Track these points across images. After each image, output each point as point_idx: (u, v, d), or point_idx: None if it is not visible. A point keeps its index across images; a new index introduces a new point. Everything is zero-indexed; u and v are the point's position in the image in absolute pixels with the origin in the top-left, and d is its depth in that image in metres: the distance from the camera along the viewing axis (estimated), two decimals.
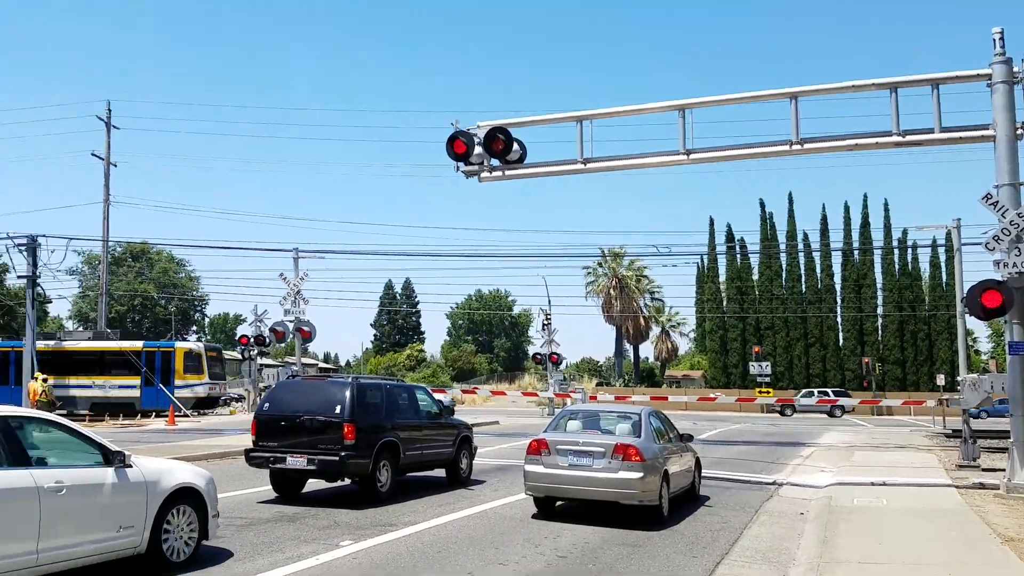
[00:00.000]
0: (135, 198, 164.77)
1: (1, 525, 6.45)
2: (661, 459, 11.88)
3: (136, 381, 36.60)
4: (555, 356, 42.78)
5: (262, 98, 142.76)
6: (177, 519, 8.13)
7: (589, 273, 71.91)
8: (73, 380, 36.11)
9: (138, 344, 39.16)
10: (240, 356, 43.24)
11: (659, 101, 17.48)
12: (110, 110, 36.41)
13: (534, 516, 11.77)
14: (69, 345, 38.64)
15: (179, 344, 40.19)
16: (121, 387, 36.44)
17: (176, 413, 32.57)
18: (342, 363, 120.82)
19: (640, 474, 11.13)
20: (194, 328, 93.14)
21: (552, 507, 12.15)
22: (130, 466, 7.74)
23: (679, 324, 76.58)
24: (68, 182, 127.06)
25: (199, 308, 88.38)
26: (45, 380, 26.47)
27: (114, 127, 36.63)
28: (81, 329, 65.92)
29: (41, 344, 36.39)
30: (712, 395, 50.02)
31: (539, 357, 44.94)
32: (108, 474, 7.53)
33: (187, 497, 8.26)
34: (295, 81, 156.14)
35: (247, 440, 14.51)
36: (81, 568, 7.23)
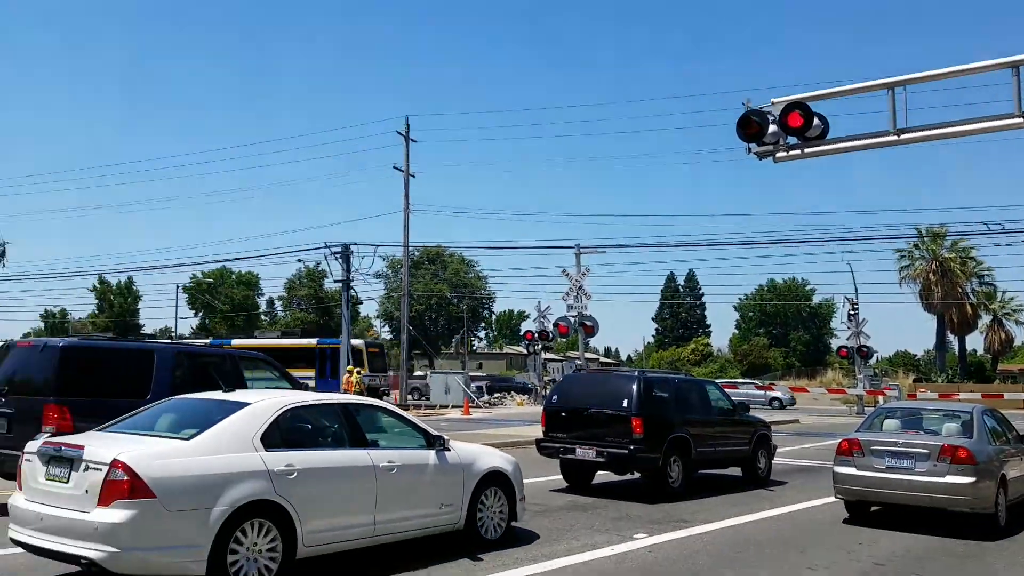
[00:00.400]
0: (431, 205, 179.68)
1: (347, 498, 7.31)
2: (997, 462, 10.60)
3: (312, 373, 40.70)
4: (864, 349, 39.83)
5: (545, 99, 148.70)
6: (489, 500, 8.75)
7: (903, 256, 65.57)
8: None
9: (313, 341, 45.20)
10: (525, 351, 45.37)
11: (990, 60, 15.43)
12: (408, 125, 39.87)
13: (845, 521, 10.99)
14: (262, 342, 44.45)
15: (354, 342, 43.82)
16: (300, 378, 40.53)
17: (470, 404, 34.98)
18: (622, 357, 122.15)
19: (972, 479, 10.01)
20: (482, 325, 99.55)
21: (866, 512, 11.26)
22: (449, 450, 8.47)
23: (1015, 311, 67.45)
24: (376, 193, 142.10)
25: (487, 306, 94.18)
26: (359, 372, 29.70)
27: (412, 140, 40.04)
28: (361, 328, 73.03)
29: (240, 341, 43.80)
30: None
31: (845, 350, 42.05)
32: (431, 456, 8.26)
33: (497, 480, 8.86)
34: (580, 78, 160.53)
35: (534, 431, 15.12)
36: (404, 543, 7.93)
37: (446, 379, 43.20)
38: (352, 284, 39.60)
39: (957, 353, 67.20)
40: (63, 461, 6.44)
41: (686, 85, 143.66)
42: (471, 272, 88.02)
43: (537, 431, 14.03)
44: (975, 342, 70.47)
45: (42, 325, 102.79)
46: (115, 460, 6.09)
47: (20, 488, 6.88)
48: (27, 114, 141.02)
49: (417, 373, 56.41)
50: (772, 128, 16.74)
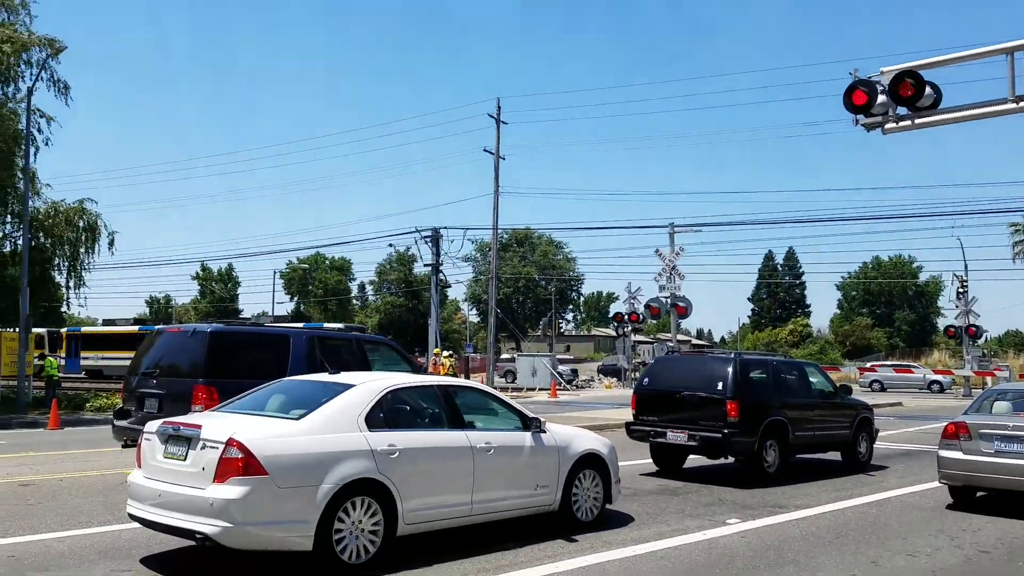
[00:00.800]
0: (521, 187, 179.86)
1: (446, 477, 7.62)
2: None
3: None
4: (973, 328, 38.30)
5: (630, 76, 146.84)
6: (584, 482, 8.96)
7: (1017, 231, 62.47)
8: None
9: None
10: (614, 333, 45.30)
11: None
12: (499, 107, 40.09)
13: (948, 507, 10.74)
14: (97, 329, 48.24)
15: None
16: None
17: (558, 387, 35.22)
18: (715, 339, 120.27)
19: None
20: (570, 307, 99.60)
21: (971, 498, 10.97)
22: (545, 432, 8.70)
23: None
24: (466, 177, 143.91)
25: (575, 288, 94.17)
26: (451, 355, 30.36)
27: (503, 123, 40.26)
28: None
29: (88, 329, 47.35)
30: None
31: (953, 330, 40.54)
32: (526, 438, 8.52)
33: (592, 463, 9.05)
34: (658, 55, 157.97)
35: (623, 413, 15.21)
36: (498, 522, 8.21)
37: (533, 362, 43.56)
38: (441, 268, 40.32)
39: None
40: (181, 440, 6.84)
41: (787, 57, 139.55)
42: (559, 254, 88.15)
43: (626, 414, 14.12)
44: None
45: (147, 311, 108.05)
46: (231, 439, 6.47)
47: (139, 466, 7.29)
48: (144, 109, 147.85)
49: (504, 356, 57.02)
50: (881, 98, 16.20)
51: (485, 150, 40.26)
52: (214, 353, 11.12)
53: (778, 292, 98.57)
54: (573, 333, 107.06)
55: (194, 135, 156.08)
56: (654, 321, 51.11)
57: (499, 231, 43.56)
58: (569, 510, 8.75)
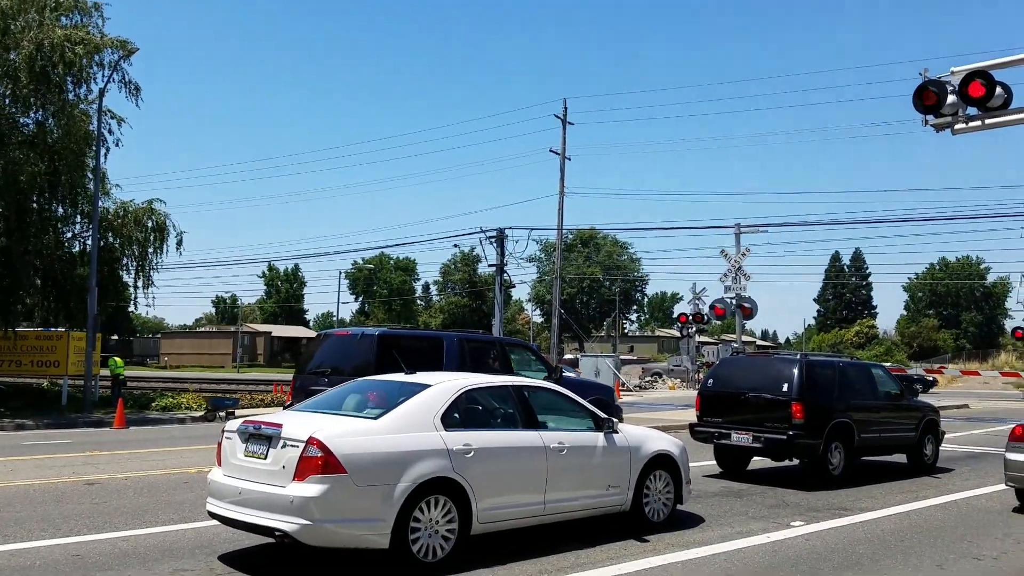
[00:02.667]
0: (585, 187, 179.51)
1: (519, 477, 7.66)
2: None
3: None
4: None
5: (699, 77, 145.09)
6: (655, 483, 8.90)
7: None
8: None
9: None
10: (677, 334, 44.84)
11: None
12: (566, 108, 39.91)
13: (1015, 510, 10.43)
14: None
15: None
16: None
17: (621, 387, 35.03)
18: (780, 340, 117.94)
19: None
20: (634, 307, 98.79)
21: None
22: (617, 432, 8.68)
23: None
24: (532, 177, 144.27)
25: (639, 288, 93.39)
26: None
27: (569, 123, 40.12)
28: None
29: None
30: None
31: (1021, 331, 38.98)
32: (599, 438, 8.50)
33: (663, 463, 8.99)
34: (725, 54, 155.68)
35: (686, 415, 15.09)
36: (571, 521, 8.23)
37: (596, 362, 43.34)
38: (505, 268, 40.45)
39: None
40: (262, 439, 6.91)
41: (857, 56, 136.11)
42: (624, 254, 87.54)
43: (689, 415, 14.00)
44: None
45: (213, 310, 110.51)
46: (311, 438, 6.57)
47: (219, 464, 7.28)
48: (201, 109, 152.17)
49: (567, 356, 56.90)
50: (951, 99, 15.82)
51: (551, 151, 40.26)
52: (383, 355, 12.10)
53: (844, 293, 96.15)
54: (637, 334, 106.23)
55: (263, 135, 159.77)
56: (719, 322, 50.44)
57: (564, 231, 43.50)
58: (640, 510, 8.71)
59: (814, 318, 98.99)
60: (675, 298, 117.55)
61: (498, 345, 14.77)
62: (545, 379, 13.17)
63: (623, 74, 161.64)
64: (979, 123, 16.00)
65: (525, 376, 12.76)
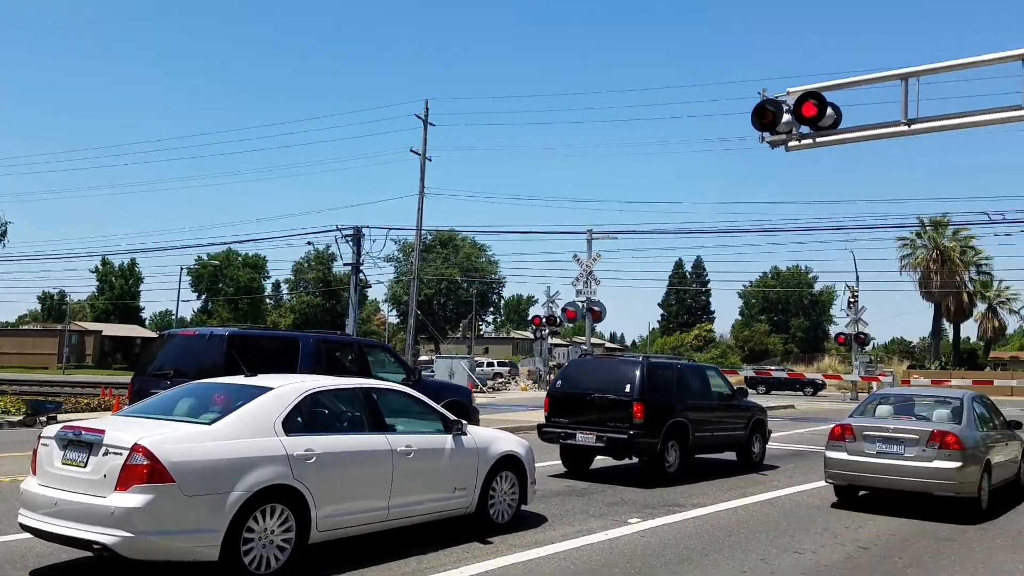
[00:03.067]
0: (445, 189, 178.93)
1: (364, 482, 7.42)
2: (983, 448, 10.81)
3: None
4: (861, 336, 39.95)
5: (551, 86, 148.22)
6: (501, 484, 8.90)
7: (905, 245, 65.35)
8: None
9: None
10: (532, 336, 45.50)
11: (998, 52, 15.48)
12: (427, 109, 39.48)
13: (833, 505, 11.16)
14: None
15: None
16: None
17: (474, 388, 35.17)
18: (627, 343, 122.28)
19: (958, 463, 10.19)
20: (491, 309, 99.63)
21: (854, 496, 11.42)
22: (465, 434, 8.61)
23: (1009, 300, 67.27)
24: (391, 177, 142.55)
25: (496, 291, 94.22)
26: None
27: (430, 124, 39.73)
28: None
29: None
30: None
31: (843, 337, 42.16)
32: (447, 440, 8.40)
33: (510, 464, 9.01)
34: (581, 65, 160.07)
35: (537, 416, 15.30)
36: (416, 525, 8.08)
37: (451, 363, 43.34)
38: (361, 267, 39.68)
39: (951, 340, 67.14)
40: (82, 445, 6.43)
41: (701, 74, 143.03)
42: (482, 257, 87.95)
43: (540, 416, 14.17)
44: (969, 330, 70.56)
45: (39, 307, 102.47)
46: (136, 444, 6.14)
47: (34, 473, 6.80)
48: (30, 96, 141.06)
49: (423, 357, 56.62)
50: (786, 117, 16.85)
51: (412, 151, 39.87)
52: (232, 356, 11.19)
53: (686, 298, 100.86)
54: (492, 335, 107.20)
55: (101, 123, 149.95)
56: (571, 325, 51.57)
57: (423, 232, 43.15)
58: (485, 512, 8.69)
59: (658, 322, 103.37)
60: (531, 301, 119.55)
61: (356, 346, 14.39)
62: (403, 381, 13.00)
63: (485, 78, 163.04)
64: (811, 141, 17.12)
65: (383, 378, 12.55)
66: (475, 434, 8.83)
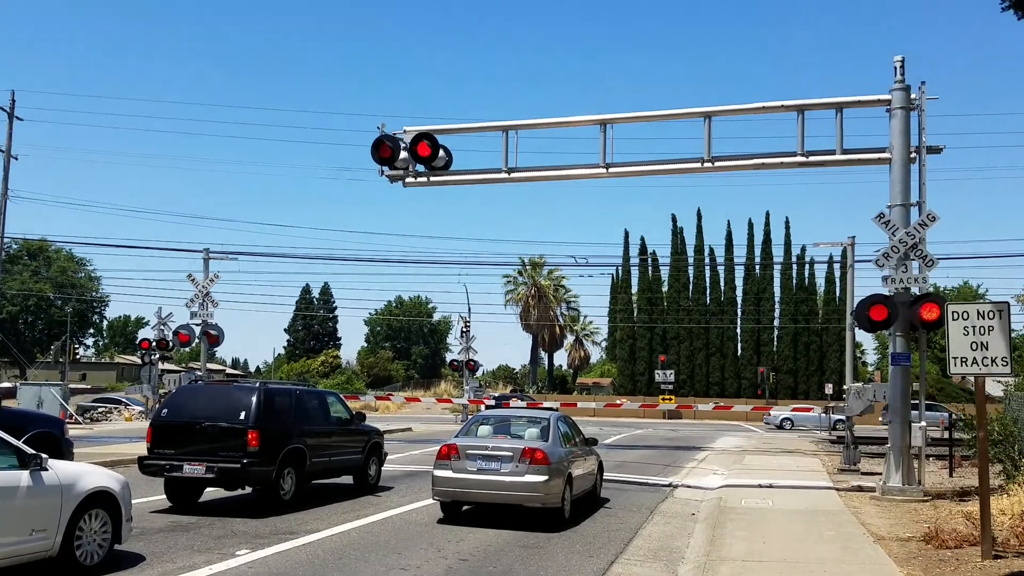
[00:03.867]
0: (36, 193, 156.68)
1: None
2: (566, 462, 12.05)
3: None
4: (472, 363, 42.74)
5: (173, 93, 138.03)
6: (91, 523, 8.06)
7: (509, 281, 72.38)
8: None
9: None
10: (140, 361, 41.57)
11: (582, 115, 17.87)
12: (14, 100, 34.33)
13: (440, 521, 11.72)
14: None
15: None
16: None
17: (68, 419, 31.06)
18: (251, 369, 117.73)
19: (545, 477, 11.25)
20: (91, 331, 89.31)
21: (458, 511, 12.12)
22: (46, 469, 7.65)
23: (592, 333, 77.81)
24: None
25: (98, 310, 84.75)
26: None
27: (17, 118, 34.53)
28: None
29: None
30: (618, 401, 50.85)
31: (456, 364, 44.75)
32: (23, 477, 7.41)
33: (101, 501, 8.19)
34: (211, 77, 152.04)
35: (140, 448, 14.05)
36: None
37: (39, 391, 37.77)
38: None
39: (547, 367, 75.40)
40: None
41: (329, 101, 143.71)
42: (81, 272, 78.48)
43: (145, 448, 12.92)
44: (561, 358, 79.97)
45: None
46: None
47: None
48: None
49: (4, 384, 48.74)
50: (403, 155, 17.58)
51: None
52: None
53: (313, 324, 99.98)
54: (93, 360, 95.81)
55: None
56: (185, 349, 48.10)
57: (5, 240, 37.29)
58: (72, 555, 7.78)
59: (284, 347, 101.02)
60: (140, 323, 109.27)
61: None
62: None
63: (84, 75, 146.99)
64: (425, 179, 18.22)
65: None
66: (58, 469, 7.86)
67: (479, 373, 56.52)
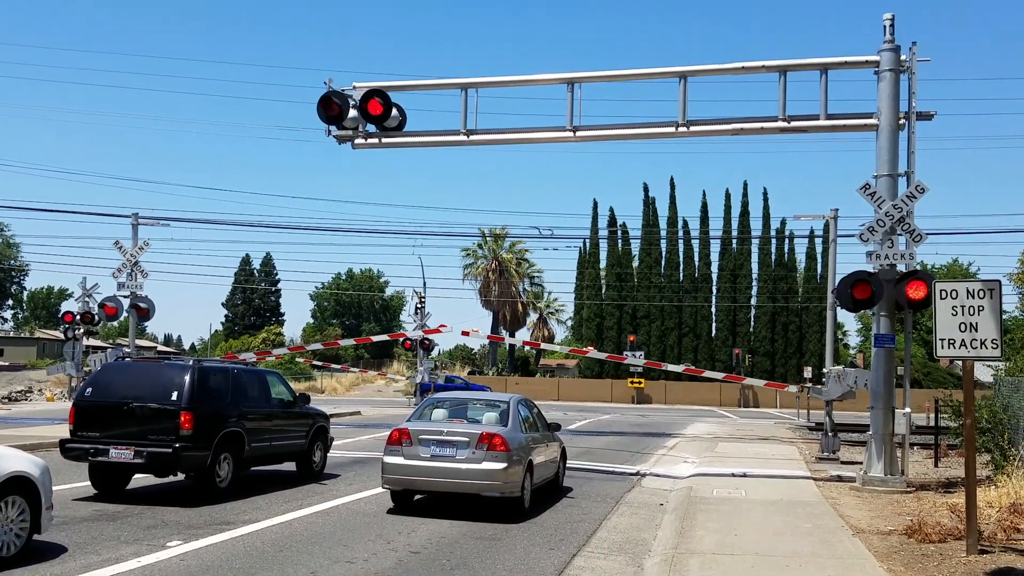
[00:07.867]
0: None
1: None
2: (527, 449, 12.06)
3: None
4: (427, 342, 42.64)
5: (98, 42, 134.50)
6: (7, 511, 7.99)
7: (468, 255, 72.02)
8: None
9: None
10: (63, 336, 40.81)
11: (548, 74, 17.64)
12: None
13: (390, 511, 11.67)
14: None
15: None
16: None
17: None
18: (186, 346, 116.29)
19: (504, 464, 11.23)
20: (9, 303, 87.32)
21: (410, 501, 12.08)
22: None
23: (558, 311, 77.99)
24: None
25: (17, 280, 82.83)
26: None
27: None
28: None
29: None
30: (584, 384, 51.34)
31: (410, 343, 44.60)
32: None
33: (18, 487, 8.08)
34: (140, 24, 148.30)
35: (63, 430, 13.77)
36: None
37: None
38: None
39: (508, 348, 75.50)
40: None
41: (274, 53, 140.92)
42: None
43: (67, 431, 12.65)
44: (524, 338, 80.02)
45: None
46: None
47: None
48: None
49: None
50: (352, 113, 17.21)
51: None
52: None
53: (254, 298, 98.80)
54: (11, 335, 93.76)
55: None
56: (113, 323, 47.25)
57: None
58: None
59: (222, 323, 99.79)
60: (64, 294, 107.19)
61: None
62: None
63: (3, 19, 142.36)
64: (377, 140, 17.92)
65: None
66: None
67: (435, 353, 56.44)
